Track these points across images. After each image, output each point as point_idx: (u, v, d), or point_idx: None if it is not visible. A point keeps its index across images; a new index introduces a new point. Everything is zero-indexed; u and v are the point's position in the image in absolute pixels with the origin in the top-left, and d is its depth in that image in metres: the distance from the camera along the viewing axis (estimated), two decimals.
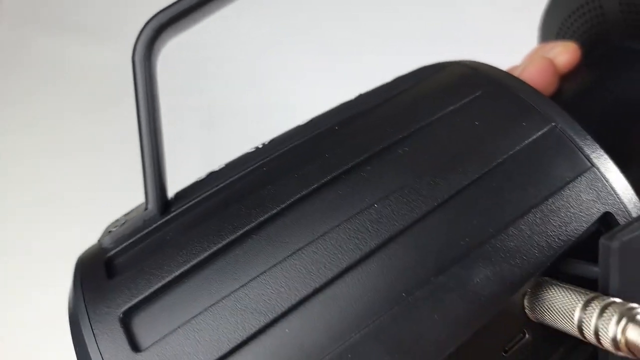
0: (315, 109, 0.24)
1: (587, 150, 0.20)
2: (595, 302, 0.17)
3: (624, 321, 0.16)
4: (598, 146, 0.20)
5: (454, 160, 0.20)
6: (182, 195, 0.22)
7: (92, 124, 0.57)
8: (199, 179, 0.23)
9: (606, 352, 0.18)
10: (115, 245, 0.21)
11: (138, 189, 0.22)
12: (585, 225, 0.19)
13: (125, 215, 0.23)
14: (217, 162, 0.24)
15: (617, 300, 0.17)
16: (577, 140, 0.20)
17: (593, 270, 0.18)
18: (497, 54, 0.27)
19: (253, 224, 0.19)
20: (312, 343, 0.17)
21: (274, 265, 0.18)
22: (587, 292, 0.18)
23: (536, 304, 0.19)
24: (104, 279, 0.20)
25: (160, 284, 0.19)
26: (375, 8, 0.65)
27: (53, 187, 0.56)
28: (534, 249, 0.19)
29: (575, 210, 0.19)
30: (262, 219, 0.19)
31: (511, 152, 0.20)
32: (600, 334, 0.17)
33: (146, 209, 0.22)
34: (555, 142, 0.20)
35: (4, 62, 0.59)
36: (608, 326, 0.17)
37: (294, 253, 0.18)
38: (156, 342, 0.18)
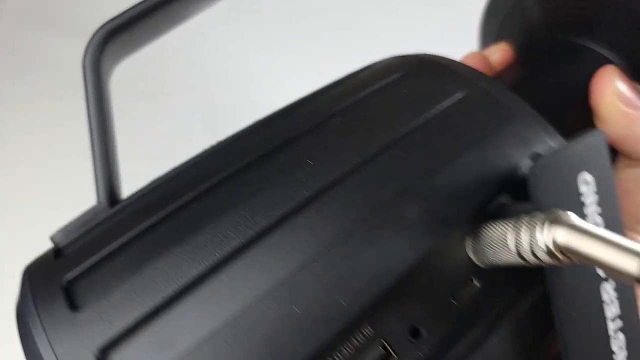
0: None
1: (510, 103, 0.21)
2: (523, 222, 0.17)
3: (549, 227, 0.16)
4: (519, 98, 0.21)
5: (388, 119, 0.21)
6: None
7: None
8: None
9: (553, 280, 0.18)
10: (66, 238, 0.21)
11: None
12: (512, 165, 0.20)
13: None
14: None
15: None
16: (500, 94, 0.22)
17: (528, 206, 0.18)
18: None
19: (193, 194, 0.20)
20: (251, 286, 0.17)
21: (216, 220, 0.19)
22: (518, 218, 0.18)
23: (478, 247, 0.19)
24: (53, 263, 0.20)
25: (104, 255, 0.19)
26: (376, 8, 0.65)
27: (53, 186, 0.57)
28: (465, 189, 0.19)
29: (503, 153, 0.20)
30: (203, 188, 0.20)
31: (439, 108, 0.21)
32: (534, 250, 0.16)
33: (98, 202, 0.22)
34: (480, 98, 0.22)
35: (4, 62, 0.60)
36: (537, 240, 0.16)
37: (231, 209, 0.19)
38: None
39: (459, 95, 0.21)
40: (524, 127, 0.21)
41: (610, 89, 0.24)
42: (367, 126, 0.21)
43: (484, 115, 0.21)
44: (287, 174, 0.19)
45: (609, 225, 0.19)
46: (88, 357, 0.17)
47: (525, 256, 0.17)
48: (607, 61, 0.27)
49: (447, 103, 0.21)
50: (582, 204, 0.19)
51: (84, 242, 0.21)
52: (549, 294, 0.19)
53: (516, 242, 0.17)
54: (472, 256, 0.19)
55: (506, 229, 0.18)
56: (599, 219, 0.19)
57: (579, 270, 0.18)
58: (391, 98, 0.22)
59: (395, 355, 0.18)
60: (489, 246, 0.18)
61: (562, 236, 0.16)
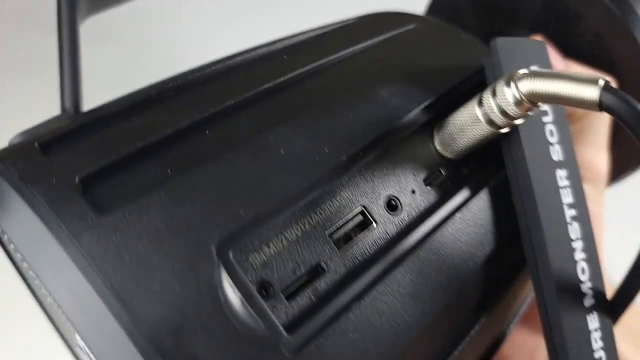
0: None
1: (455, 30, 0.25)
2: (486, 94, 0.19)
3: (513, 82, 0.18)
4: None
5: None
6: None
7: None
8: None
9: (512, 166, 0.20)
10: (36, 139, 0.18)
11: None
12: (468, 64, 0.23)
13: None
14: None
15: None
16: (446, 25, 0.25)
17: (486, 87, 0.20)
18: None
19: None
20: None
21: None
22: (480, 95, 0.20)
23: (446, 137, 0.21)
24: (41, 157, 0.17)
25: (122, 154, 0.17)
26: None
27: None
28: (430, 79, 0.22)
29: (457, 56, 0.23)
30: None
31: (399, 31, 0.24)
32: (504, 108, 0.18)
33: (63, 110, 0.21)
34: (433, 23, 0.25)
35: (3, 62, 0.58)
36: (505, 95, 0.18)
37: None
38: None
39: (416, 25, 0.25)
40: (471, 41, 0.24)
41: None
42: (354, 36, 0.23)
43: (437, 33, 0.24)
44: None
45: (560, 121, 0.21)
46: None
47: (495, 120, 0.19)
48: None
49: (407, 27, 0.24)
50: None
51: (69, 141, 0.18)
52: (510, 179, 0.20)
53: (486, 110, 0.19)
54: (439, 149, 0.21)
55: (472, 106, 0.19)
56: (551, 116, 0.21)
57: (536, 155, 0.20)
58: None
59: (374, 223, 0.18)
60: (457, 130, 0.20)
61: (527, 84, 0.18)
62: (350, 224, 0.18)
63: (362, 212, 0.18)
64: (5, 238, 0.20)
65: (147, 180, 0.16)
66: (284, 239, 0.17)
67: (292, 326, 0.16)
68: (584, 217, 0.21)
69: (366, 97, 0.20)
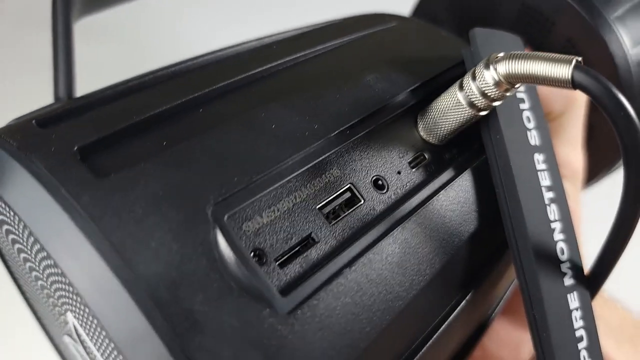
0: None
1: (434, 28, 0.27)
2: (467, 78, 0.20)
3: (491, 65, 0.19)
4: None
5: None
6: None
7: None
8: None
9: (492, 149, 0.21)
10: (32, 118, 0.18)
11: None
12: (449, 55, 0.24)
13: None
14: None
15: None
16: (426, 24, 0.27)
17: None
18: None
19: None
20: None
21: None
22: (460, 80, 0.21)
23: (429, 122, 0.22)
24: (38, 130, 0.17)
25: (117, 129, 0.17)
26: None
27: None
28: (415, 66, 0.23)
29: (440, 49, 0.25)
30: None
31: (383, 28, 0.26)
32: (484, 90, 0.19)
33: (57, 99, 0.22)
34: (421, 26, 0.27)
35: (3, 62, 0.58)
36: (486, 78, 0.19)
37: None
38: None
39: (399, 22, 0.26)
40: (450, 37, 0.25)
41: None
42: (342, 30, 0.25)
43: (420, 30, 0.25)
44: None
45: (536, 108, 0.22)
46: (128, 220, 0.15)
47: (476, 102, 0.20)
48: None
49: (391, 24, 0.25)
50: None
51: (73, 120, 0.18)
52: (489, 162, 0.21)
53: (467, 93, 0.20)
54: (423, 134, 0.22)
55: (454, 90, 0.20)
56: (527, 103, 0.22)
57: (514, 138, 0.21)
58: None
59: (362, 199, 0.19)
60: (440, 114, 0.21)
61: (504, 65, 0.19)
62: (339, 200, 0.19)
63: (349, 189, 0.19)
64: None
65: (143, 150, 0.17)
66: (276, 209, 0.17)
67: (285, 290, 0.16)
68: (561, 200, 0.22)
69: (353, 82, 0.21)
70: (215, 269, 0.15)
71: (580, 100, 0.28)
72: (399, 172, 0.20)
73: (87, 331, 0.18)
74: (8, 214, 0.18)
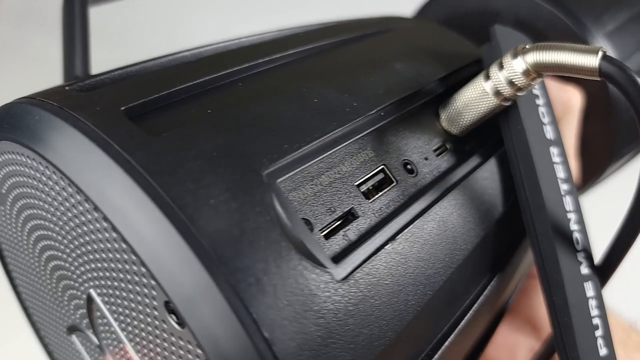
0: None
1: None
2: (493, 68, 0.21)
3: (520, 55, 0.20)
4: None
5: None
6: None
7: None
8: None
9: (511, 141, 0.22)
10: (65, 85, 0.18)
11: None
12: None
13: None
14: None
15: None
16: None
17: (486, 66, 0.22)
18: None
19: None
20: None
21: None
22: (485, 71, 0.21)
23: (452, 114, 0.22)
24: (78, 93, 0.17)
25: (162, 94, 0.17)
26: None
27: None
28: (440, 59, 0.24)
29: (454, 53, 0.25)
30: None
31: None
32: (512, 79, 0.20)
33: (74, 77, 0.22)
34: (437, 26, 0.27)
35: (3, 62, 0.56)
36: (514, 67, 0.19)
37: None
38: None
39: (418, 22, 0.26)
40: (460, 38, 0.26)
41: None
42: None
43: (436, 29, 0.26)
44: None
45: (548, 105, 0.23)
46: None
47: (504, 92, 0.20)
48: None
49: (412, 23, 0.26)
50: None
51: (112, 86, 0.18)
52: (508, 153, 0.22)
53: (493, 83, 0.21)
54: (445, 125, 0.22)
55: (479, 81, 0.21)
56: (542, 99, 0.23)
57: (533, 131, 0.22)
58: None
59: (394, 181, 0.19)
60: (464, 105, 0.21)
61: (533, 55, 0.20)
62: (375, 179, 0.19)
63: (382, 170, 0.19)
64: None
65: (189, 114, 0.16)
66: (318, 182, 0.17)
67: (335, 258, 0.16)
68: (573, 192, 0.22)
69: (385, 68, 0.21)
70: (274, 229, 0.15)
71: (575, 108, 0.29)
72: (426, 158, 0.21)
73: (115, 307, 0.17)
74: (35, 179, 0.17)
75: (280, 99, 0.18)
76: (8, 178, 0.19)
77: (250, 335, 0.13)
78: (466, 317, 0.19)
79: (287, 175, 0.16)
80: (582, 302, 0.21)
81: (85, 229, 0.16)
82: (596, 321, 0.21)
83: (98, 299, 0.18)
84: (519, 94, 0.21)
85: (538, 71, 0.20)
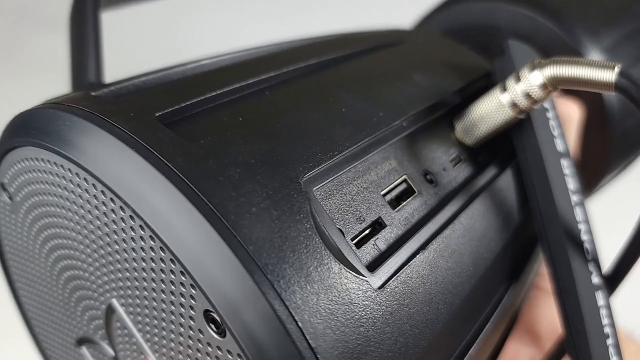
0: None
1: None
2: (509, 81, 0.21)
3: (538, 68, 0.20)
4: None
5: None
6: None
7: None
8: None
9: (524, 154, 0.22)
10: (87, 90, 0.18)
11: None
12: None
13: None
14: None
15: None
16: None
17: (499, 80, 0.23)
18: None
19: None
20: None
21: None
22: (502, 84, 0.21)
23: (467, 125, 0.23)
24: (108, 98, 0.17)
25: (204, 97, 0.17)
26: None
27: None
28: (454, 73, 0.24)
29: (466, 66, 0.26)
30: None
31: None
32: (529, 92, 0.20)
33: (86, 84, 0.21)
34: (448, 40, 0.28)
35: (3, 62, 0.55)
36: (531, 80, 0.20)
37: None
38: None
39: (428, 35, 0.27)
40: (470, 52, 0.27)
41: None
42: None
43: (447, 43, 0.26)
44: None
45: (557, 118, 0.24)
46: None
47: (521, 104, 0.21)
48: None
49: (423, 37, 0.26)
50: None
51: (140, 93, 0.18)
52: (521, 164, 0.22)
53: (510, 95, 0.21)
54: (460, 136, 0.22)
55: (493, 96, 0.22)
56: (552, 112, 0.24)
57: (545, 143, 0.22)
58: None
59: (416, 191, 0.19)
60: (479, 117, 0.22)
61: (550, 69, 0.20)
62: (398, 189, 0.19)
63: (405, 181, 0.19)
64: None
65: (225, 121, 0.16)
66: (347, 192, 0.17)
67: (369, 267, 0.16)
68: (582, 204, 0.23)
69: (405, 78, 0.21)
70: (315, 236, 0.15)
71: (574, 120, 0.30)
72: (444, 169, 0.21)
73: (141, 317, 0.17)
74: (58, 186, 0.17)
75: (309, 108, 0.18)
76: (26, 185, 0.19)
77: (295, 344, 0.13)
78: (487, 325, 0.19)
79: (321, 184, 0.16)
80: (594, 310, 0.21)
81: (118, 237, 0.16)
82: (607, 330, 0.22)
83: (121, 309, 0.18)
84: (534, 107, 0.21)
85: (554, 85, 0.20)
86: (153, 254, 0.15)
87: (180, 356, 0.16)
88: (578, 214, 0.23)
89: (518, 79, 0.21)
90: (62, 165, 0.16)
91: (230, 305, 0.13)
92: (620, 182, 0.38)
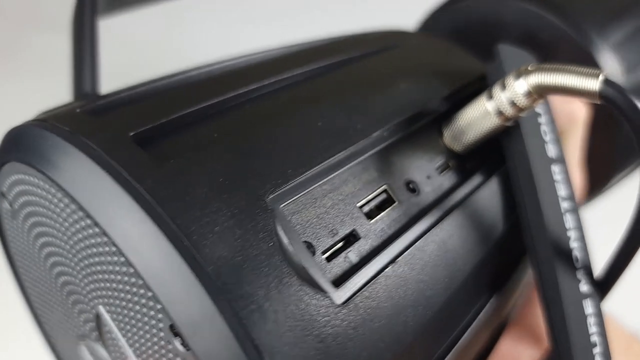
0: None
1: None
2: (495, 88, 0.21)
3: (522, 76, 0.20)
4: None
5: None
6: None
7: None
8: None
9: (512, 158, 0.22)
10: (74, 107, 0.18)
11: None
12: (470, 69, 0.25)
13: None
14: None
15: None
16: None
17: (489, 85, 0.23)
18: None
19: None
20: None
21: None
22: (488, 90, 0.21)
23: (455, 132, 0.23)
24: (87, 117, 0.17)
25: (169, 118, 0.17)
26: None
27: None
28: (441, 78, 0.24)
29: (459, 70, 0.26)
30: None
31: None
32: (514, 100, 0.20)
33: (82, 95, 0.22)
34: (441, 42, 0.28)
35: (2, 62, 0.57)
36: (516, 88, 0.20)
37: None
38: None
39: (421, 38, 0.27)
40: (465, 54, 0.26)
41: None
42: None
43: (440, 45, 0.26)
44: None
45: (551, 123, 0.24)
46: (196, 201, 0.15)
47: (504, 111, 0.21)
48: None
49: (416, 39, 0.26)
50: None
51: (121, 109, 0.18)
52: (510, 171, 0.22)
53: (495, 103, 0.21)
54: (448, 143, 0.22)
55: (482, 100, 0.21)
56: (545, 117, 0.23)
57: (534, 149, 0.22)
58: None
59: (397, 201, 0.19)
60: (467, 123, 0.22)
61: (535, 77, 0.20)
62: (377, 200, 0.19)
63: (385, 191, 0.19)
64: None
65: (197, 138, 0.17)
66: (322, 205, 0.18)
67: (336, 282, 0.16)
68: (574, 210, 0.23)
69: (389, 88, 0.21)
70: (276, 256, 0.15)
71: (580, 120, 0.29)
72: (428, 177, 0.21)
73: (123, 324, 0.18)
74: (46, 200, 0.17)
75: (286, 122, 0.18)
76: (20, 196, 0.20)
77: None
78: (463, 337, 0.20)
79: (290, 200, 0.17)
80: (581, 320, 0.21)
81: (92, 251, 0.16)
82: (594, 338, 0.22)
83: (107, 316, 0.19)
84: (521, 114, 0.21)
85: (540, 93, 0.20)
86: (123, 270, 0.15)
87: None
88: (568, 220, 0.22)
89: (504, 87, 0.21)
90: (46, 182, 0.17)
91: (190, 324, 0.14)
92: (627, 183, 0.37)
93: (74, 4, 0.25)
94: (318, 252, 0.17)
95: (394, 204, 0.19)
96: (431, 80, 0.23)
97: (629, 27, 0.31)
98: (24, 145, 0.17)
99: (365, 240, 0.18)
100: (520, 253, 0.23)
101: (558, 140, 0.24)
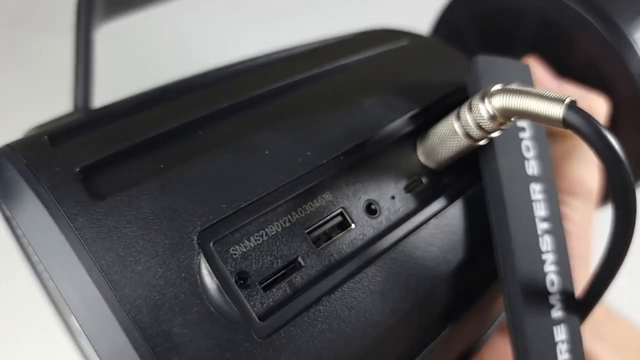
0: None
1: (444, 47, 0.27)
2: (463, 109, 0.20)
3: (487, 98, 0.19)
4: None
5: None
6: None
7: None
8: None
9: (488, 176, 0.21)
10: (46, 132, 0.20)
11: None
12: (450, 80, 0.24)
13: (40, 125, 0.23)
14: None
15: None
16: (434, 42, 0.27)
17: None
18: None
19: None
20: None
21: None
22: (458, 109, 0.21)
23: (428, 147, 0.22)
24: (48, 147, 0.18)
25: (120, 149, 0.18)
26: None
27: None
28: (413, 96, 0.23)
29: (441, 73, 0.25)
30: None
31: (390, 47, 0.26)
32: (479, 122, 0.19)
33: (75, 108, 0.23)
34: (430, 45, 0.27)
35: (2, 62, 0.59)
36: (480, 110, 0.19)
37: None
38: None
39: (408, 41, 0.26)
40: (459, 58, 0.25)
41: None
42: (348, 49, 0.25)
43: (427, 50, 0.25)
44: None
45: (538, 137, 0.22)
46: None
47: (472, 133, 0.20)
48: None
49: (399, 44, 0.25)
50: None
51: (81, 137, 0.19)
52: (485, 190, 0.21)
53: (463, 124, 0.20)
54: (422, 159, 0.22)
55: (451, 119, 0.21)
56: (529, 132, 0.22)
57: (510, 168, 0.21)
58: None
59: (352, 224, 0.19)
60: (438, 141, 0.21)
61: (498, 100, 0.19)
62: (330, 224, 0.19)
63: (341, 214, 0.19)
64: (13, 221, 0.21)
65: (140, 172, 0.18)
66: (264, 234, 0.18)
67: (265, 314, 0.17)
68: (557, 230, 0.22)
69: (350, 107, 0.21)
70: (197, 293, 0.16)
71: (598, 117, 0.27)
72: (392, 197, 0.21)
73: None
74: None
75: (229, 152, 0.19)
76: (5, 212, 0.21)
77: None
78: None
79: (224, 234, 0.17)
80: (548, 349, 0.20)
81: (39, 268, 0.18)
82: None
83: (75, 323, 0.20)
84: (490, 136, 0.20)
85: (505, 116, 0.19)
86: (58, 294, 0.17)
87: None
88: (546, 242, 0.21)
89: (470, 107, 0.20)
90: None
91: (110, 357, 0.15)
92: None
93: (74, 5, 0.26)
94: (255, 282, 0.17)
95: (348, 228, 0.19)
96: (405, 93, 0.22)
97: None
98: None
99: (307, 268, 0.18)
100: (490, 277, 0.22)
101: (546, 156, 0.22)
